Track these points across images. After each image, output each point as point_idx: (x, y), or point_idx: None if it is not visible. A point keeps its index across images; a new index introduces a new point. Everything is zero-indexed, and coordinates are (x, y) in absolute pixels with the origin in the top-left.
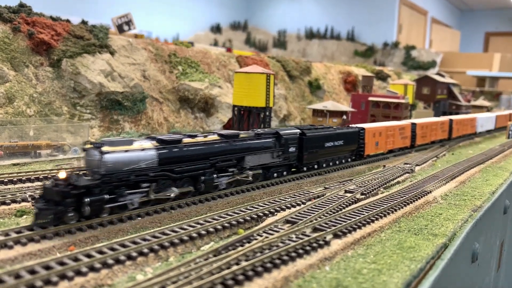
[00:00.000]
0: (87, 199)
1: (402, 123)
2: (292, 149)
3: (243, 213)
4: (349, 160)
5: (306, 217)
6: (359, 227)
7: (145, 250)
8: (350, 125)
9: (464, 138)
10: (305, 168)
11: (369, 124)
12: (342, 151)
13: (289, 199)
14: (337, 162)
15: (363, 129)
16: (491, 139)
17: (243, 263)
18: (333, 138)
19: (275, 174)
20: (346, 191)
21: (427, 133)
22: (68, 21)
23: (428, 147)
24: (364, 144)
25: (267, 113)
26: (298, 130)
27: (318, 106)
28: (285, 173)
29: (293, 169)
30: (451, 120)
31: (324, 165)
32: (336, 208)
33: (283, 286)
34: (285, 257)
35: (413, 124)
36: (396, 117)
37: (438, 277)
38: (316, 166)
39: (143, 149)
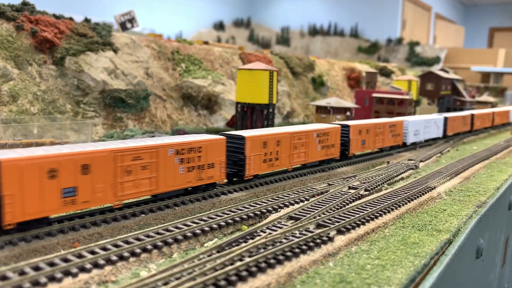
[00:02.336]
0: None
1: (208, 139)
2: None
3: (247, 209)
4: None
5: (309, 213)
6: (363, 223)
7: (149, 247)
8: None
9: (374, 156)
10: None
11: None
12: None
13: (293, 196)
14: None
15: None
16: (495, 135)
17: (247, 259)
18: None
19: None
20: (349, 188)
21: (284, 152)
22: (71, 19)
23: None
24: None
25: (271, 110)
26: None
27: (322, 102)
28: None
29: None
30: (346, 128)
31: None
32: (339, 204)
33: (287, 282)
34: (289, 253)
35: (240, 141)
36: (400, 113)
37: (442, 273)
38: None
39: None
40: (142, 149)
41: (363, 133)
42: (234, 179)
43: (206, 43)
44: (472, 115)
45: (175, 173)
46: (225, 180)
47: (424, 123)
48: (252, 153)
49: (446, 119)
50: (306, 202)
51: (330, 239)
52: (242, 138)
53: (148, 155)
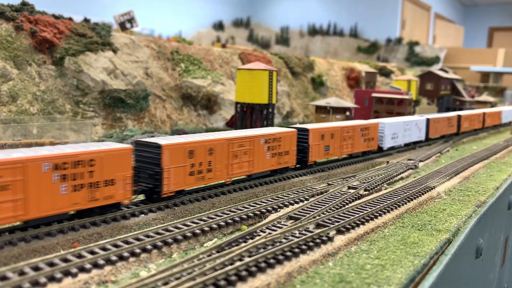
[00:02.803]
0: None
1: (103, 149)
2: None
3: (246, 209)
4: None
5: (309, 213)
6: (363, 223)
7: (149, 247)
8: None
9: (341, 164)
10: None
11: None
12: None
13: (292, 196)
14: None
15: None
16: (495, 134)
17: (246, 259)
18: None
19: None
20: (349, 187)
21: (220, 162)
22: (70, 19)
23: None
24: None
25: (270, 110)
26: None
27: (321, 102)
28: None
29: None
30: (304, 132)
31: None
32: (339, 204)
33: (287, 281)
34: (288, 253)
35: (156, 150)
36: (399, 113)
37: (442, 273)
38: None
39: None
40: None
41: (326, 138)
42: (154, 196)
43: (224, 46)
44: (459, 116)
45: (53, 193)
46: (137, 199)
47: (404, 125)
48: (173, 164)
49: (428, 120)
50: (305, 202)
51: (330, 239)
52: (158, 146)
53: (10, 171)
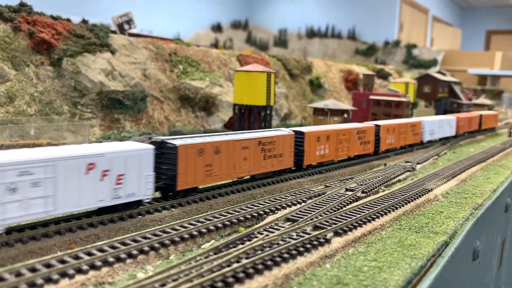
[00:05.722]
0: None
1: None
2: None
3: (244, 211)
4: None
5: (306, 215)
6: (360, 225)
7: (146, 248)
8: None
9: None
10: None
11: None
12: None
13: (290, 197)
14: None
15: None
16: (492, 137)
17: (244, 261)
18: None
19: None
20: (347, 189)
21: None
22: (68, 20)
23: None
24: None
25: (268, 112)
26: None
27: (319, 104)
28: None
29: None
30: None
31: None
32: (337, 206)
33: (284, 283)
34: (286, 255)
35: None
36: (397, 116)
37: (439, 275)
38: None
39: None
40: None
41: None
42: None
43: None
44: (302, 133)
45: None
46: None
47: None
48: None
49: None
50: (303, 204)
51: (327, 241)
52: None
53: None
